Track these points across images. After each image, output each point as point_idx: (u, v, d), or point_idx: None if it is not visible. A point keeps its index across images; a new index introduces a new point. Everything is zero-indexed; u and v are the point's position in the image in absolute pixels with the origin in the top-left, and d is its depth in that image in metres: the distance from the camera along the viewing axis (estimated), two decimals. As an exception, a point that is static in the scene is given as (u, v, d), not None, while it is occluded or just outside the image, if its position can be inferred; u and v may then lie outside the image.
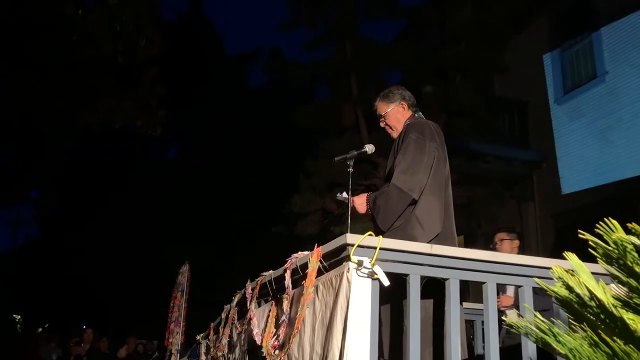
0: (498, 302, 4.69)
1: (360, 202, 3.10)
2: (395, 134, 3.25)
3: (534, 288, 2.47)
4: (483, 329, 4.89)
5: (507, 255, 2.48)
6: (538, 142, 9.44)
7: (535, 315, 1.18)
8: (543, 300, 2.72)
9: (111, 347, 10.33)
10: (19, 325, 19.00)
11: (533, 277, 2.41)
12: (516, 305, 3.88)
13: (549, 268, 2.44)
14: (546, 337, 1.09)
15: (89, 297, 19.49)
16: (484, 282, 2.41)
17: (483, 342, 4.81)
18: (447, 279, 2.38)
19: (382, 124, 3.30)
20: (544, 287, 1.25)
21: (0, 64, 8.35)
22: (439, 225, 2.95)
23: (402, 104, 3.23)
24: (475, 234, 8.92)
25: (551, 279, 1.90)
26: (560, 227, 8.48)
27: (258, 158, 19.85)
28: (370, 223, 3.19)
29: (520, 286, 2.43)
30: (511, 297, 4.75)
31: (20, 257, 22.53)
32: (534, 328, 1.18)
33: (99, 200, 20.51)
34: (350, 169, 3.08)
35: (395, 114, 3.23)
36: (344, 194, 3.12)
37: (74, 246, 20.01)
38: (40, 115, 8.94)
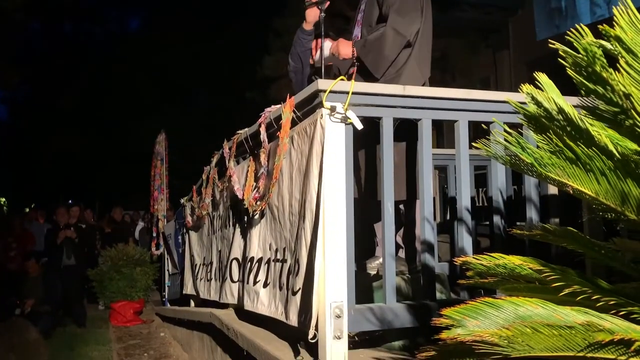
0: None
1: (345, 47, 2.96)
2: None
3: None
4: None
5: (480, 92, 2.46)
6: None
7: (505, 130, 1.19)
8: None
9: (97, 218, 10.63)
10: (5, 208, 19.25)
11: (506, 112, 2.43)
12: None
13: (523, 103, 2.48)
14: (512, 148, 1.11)
15: (72, 176, 19.66)
16: (455, 121, 2.43)
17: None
18: (419, 120, 2.38)
19: None
20: (517, 108, 1.25)
21: None
22: (429, 70, 2.91)
23: None
24: (449, 86, 8.88)
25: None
26: (534, 74, 8.45)
27: (226, 21, 18.97)
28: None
29: (491, 122, 2.44)
30: None
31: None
32: (501, 142, 1.20)
33: (67, 78, 19.83)
34: (322, 14, 2.94)
35: None
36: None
37: (48, 126, 19.72)
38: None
